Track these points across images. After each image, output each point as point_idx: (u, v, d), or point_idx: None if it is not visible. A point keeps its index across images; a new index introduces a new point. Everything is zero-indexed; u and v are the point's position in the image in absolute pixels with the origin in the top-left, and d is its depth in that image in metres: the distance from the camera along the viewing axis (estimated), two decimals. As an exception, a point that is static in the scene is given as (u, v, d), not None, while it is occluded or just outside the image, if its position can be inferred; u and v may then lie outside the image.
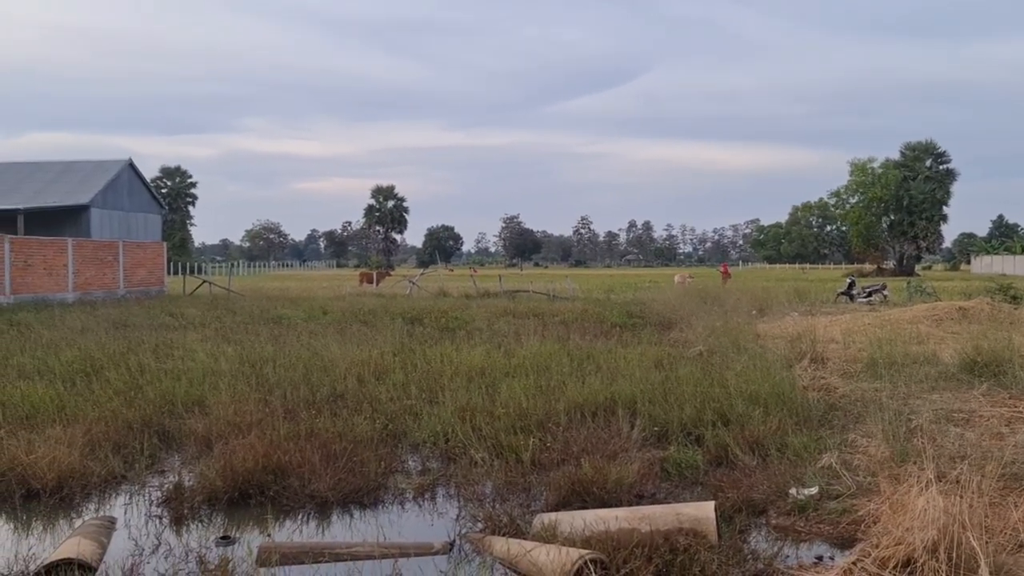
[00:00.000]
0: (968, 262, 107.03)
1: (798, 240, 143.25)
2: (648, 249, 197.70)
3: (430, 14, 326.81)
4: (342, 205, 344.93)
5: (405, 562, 5.40)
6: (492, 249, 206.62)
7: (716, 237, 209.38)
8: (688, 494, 6.75)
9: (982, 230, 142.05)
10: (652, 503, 6.33)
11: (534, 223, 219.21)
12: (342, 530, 6.28)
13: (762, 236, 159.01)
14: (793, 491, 6.38)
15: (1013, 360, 10.95)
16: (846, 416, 9.02)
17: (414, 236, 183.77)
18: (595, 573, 4.90)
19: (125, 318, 20.72)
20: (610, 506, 6.14)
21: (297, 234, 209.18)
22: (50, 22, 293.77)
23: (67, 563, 5.14)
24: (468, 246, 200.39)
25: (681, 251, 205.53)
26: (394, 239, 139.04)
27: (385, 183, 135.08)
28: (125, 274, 34.34)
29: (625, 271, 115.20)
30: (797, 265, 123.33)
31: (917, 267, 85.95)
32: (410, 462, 7.87)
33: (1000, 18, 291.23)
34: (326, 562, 5.50)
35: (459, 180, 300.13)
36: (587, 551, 5.10)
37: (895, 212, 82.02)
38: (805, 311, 23.77)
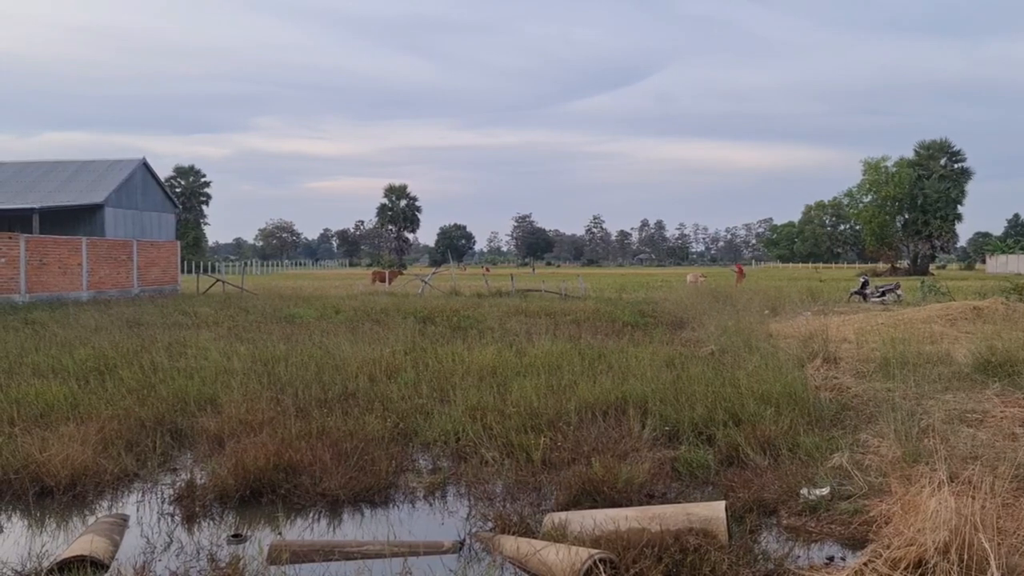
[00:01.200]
0: (983, 261, 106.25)
1: (811, 239, 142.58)
2: (660, 248, 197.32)
3: (444, 13, 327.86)
4: (355, 204, 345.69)
5: (415, 561, 5.42)
6: (504, 248, 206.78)
7: (729, 236, 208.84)
8: (699, 494, 6.73)
9: (997, 229, 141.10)
10: (663, 503, 6.31)
11: (546, 222, 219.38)
12: (353, 528, 6.30)
13: (775, 235, 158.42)
14: (804, 491, 6.35)
15: (1028, 360, 10.86)
16: (858, 416, 8.97)
17: (426, 235, 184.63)
18: (605, 573, 4.90)
19: (139, 317, 20.84)
20: (620, 506, 6.13)
21: (310, 233, 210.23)
22: (66, 22, 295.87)
23: (79, 560, 5.18)
24: (480, 245, 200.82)
25: (693, 250, 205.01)
26: (406, 238, 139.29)
27: (398, 182, 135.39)
28: (139, 273, 34.55)
29: (637, 270, 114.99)
30: (810, 264, 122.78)
31: (931, 266, 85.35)
32: (421, 461, 7.88)
33: (1017, 17, 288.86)
34: (336, 560, 5.52)
35: (472, 179, 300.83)
36: (597, 551, 5.09)
37: (909, 211, 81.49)
38: (818, 311, 23.64)
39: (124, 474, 7.27)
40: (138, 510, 6.65)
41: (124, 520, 6.30)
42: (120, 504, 6.84)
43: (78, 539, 5.63)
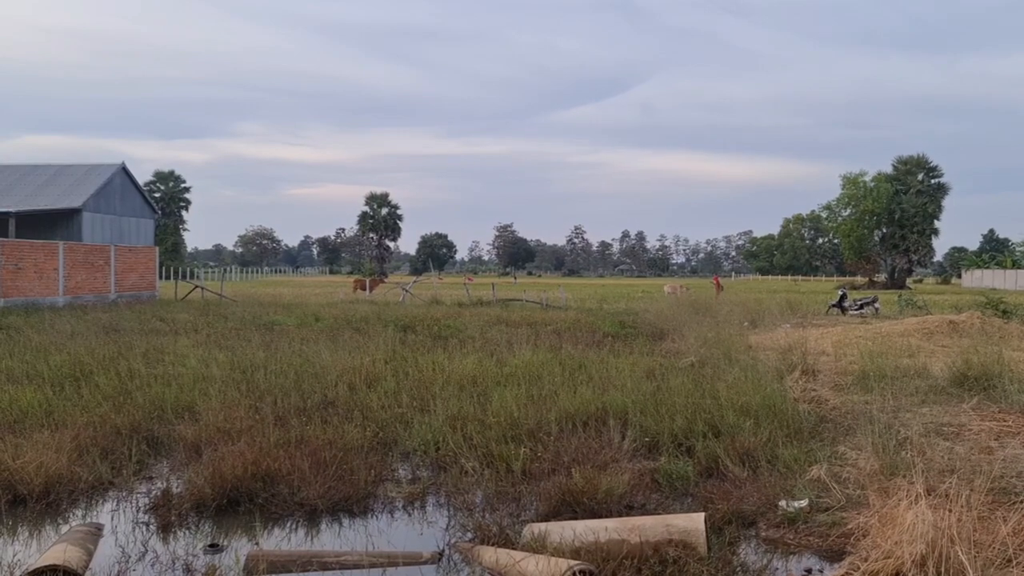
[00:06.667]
0: (959, 276, 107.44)
1: (790, 252, 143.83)
2: (641, 259, 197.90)
3: (428, 21, 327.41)
4: (336, 211, 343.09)
5: (394, 572, 5.40)
6: (486, 257, 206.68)
7: (709, 248, 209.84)
8: (678, 505, 6.75)
9: (973, 244, 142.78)
10: (642, 514, 6.32)
11: (528, 232, 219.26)
12: (331, 538, 6.25)
13: (755, 248, 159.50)
14: (783, 503, 6.38)
15: (1003, 374, 10.98)
16: (836, 429, 9.03)
17: (408, 243, 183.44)
18: (584, 584, 4.89)
19: (116, 323, 20.63)
20: (600, 516, 6.13)
21: (290, 240, 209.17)
22: (46, 24, 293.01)
23: (52, 570, 5.11)
24: (462, 254, 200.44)
25: (674, 261, 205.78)
26: (388, 246, 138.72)
27: (379, 190, 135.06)
28: (116, 278, 34.21)
29: (618, 281, 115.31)
30: (789, 277, 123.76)
31: (908, 280, 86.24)
32: (400, 470, 7.85)
33: (994, 33, 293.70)
34: (314, 571, 5.48)
35: (454, 188, 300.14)
36: (576, 562, 5.09)
37: (887, 225, 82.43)
38: (797, 323, 23.81)
39: (99, 482, 7.18)
40: (113, 519, 6.57)
41: (98, 529, 6.21)
42: (94, 513, 6.75)
43: (51, 548, 5.55)
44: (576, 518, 6.13)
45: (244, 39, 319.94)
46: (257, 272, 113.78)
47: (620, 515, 6.22)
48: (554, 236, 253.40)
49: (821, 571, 5.47)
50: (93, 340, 15.93)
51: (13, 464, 6.96)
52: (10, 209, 32.74)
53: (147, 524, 6.39)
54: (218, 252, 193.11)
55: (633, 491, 6.80)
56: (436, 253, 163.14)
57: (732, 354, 14.17)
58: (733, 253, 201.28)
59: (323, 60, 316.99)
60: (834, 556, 5.62)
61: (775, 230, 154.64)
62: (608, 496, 6.49)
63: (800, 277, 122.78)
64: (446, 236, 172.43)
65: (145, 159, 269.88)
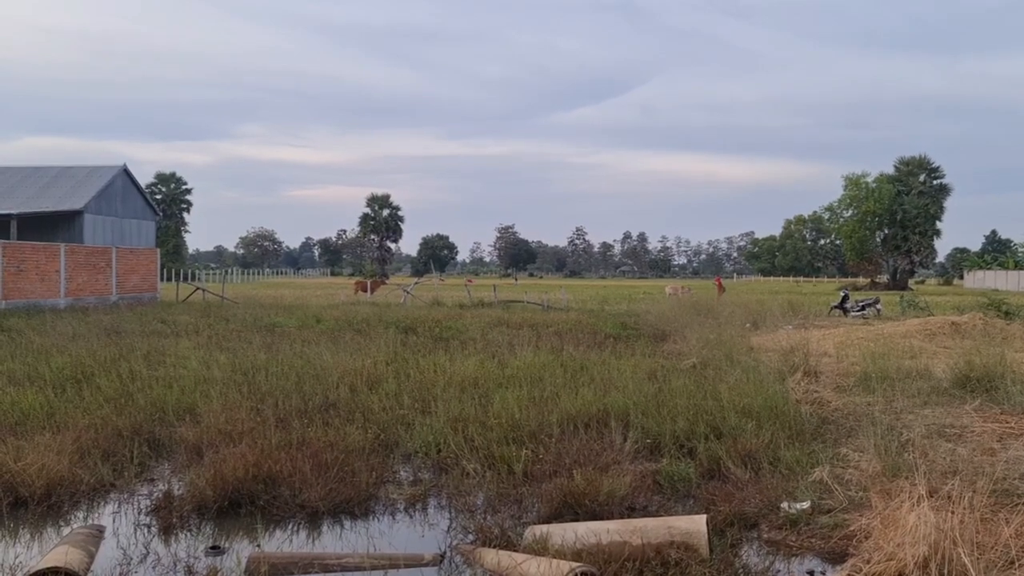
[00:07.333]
0: (961, 277, 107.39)
1: (792, 253, 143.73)
2: (642, 260, 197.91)
3: (428, 22, 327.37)
4: (337, 213, 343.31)
5: (395, 574, 5.40)
6: (487, 259, 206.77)
7: (711, 249, 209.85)
8: (680, 507, 6.74)
9: (975, 245, 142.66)
10: (644, 516, 6.31)
11: (529, 233, 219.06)
12: (332, 540, 6.25)
13: (756, 249, 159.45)
14: (785, 505, 6.37)
15: (1005, 376, 10.97)
16: (838, 430, 9.02)
17: (409, 245, 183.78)
18: (586, 586, 4.88)
19: (117, 324, 20.64)
20: (602, 518, 6.13)
21: (292, 241, 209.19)
22: (46, 24, 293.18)
23: (54, 572, 5.11)
24: (463, 256, 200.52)
25: (676, 263, 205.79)
26: (389, 248, 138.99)
27: (380, 191, 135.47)
28: (118, 280, 34.24)
29: (619, 282, 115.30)
30: (791, 278, 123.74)
31: (910, 281, 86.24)
32: (402, 472, 7.85)
33: (994, 34, 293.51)
34: (315, 573, 5.48)
35: (454, 189, 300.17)
36: (578, 564, 5.08)
37: (889, 226, 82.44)
38: (799, 324, 23.80)
39: (100, 484, 7.19)
40: (114, 521, 6.57)
41: (100, 531, 6.22)
42: (96, 515, 6.75)
43: (53, 550, 5.55)
44: (578, 520, 6.13)
45: (244, 39, 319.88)
46: (258, 274, 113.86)
47: (622, 517, 6.22)
48: (555, 237, 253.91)
49: (823, 573, 5.46)
50: (94, 342, 15.94)
51: (15, 466, 6.96)
52: (12, 211, 32.80)
53: (148, 526, 6.39)
54: (219, 254, 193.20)
55: (635, 493, 6.79)
56: (437, 254, 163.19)
57: (734, 355, 14.16)
58: (735, 254, 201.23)
59: (323, 60, 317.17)
60: (836, 558, 5.60)
61: (777, 231, 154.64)
62: (610, 498, 6.48)
63: (802, 278, 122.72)
64: (447, 237, 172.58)
65: (146, 161, 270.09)
